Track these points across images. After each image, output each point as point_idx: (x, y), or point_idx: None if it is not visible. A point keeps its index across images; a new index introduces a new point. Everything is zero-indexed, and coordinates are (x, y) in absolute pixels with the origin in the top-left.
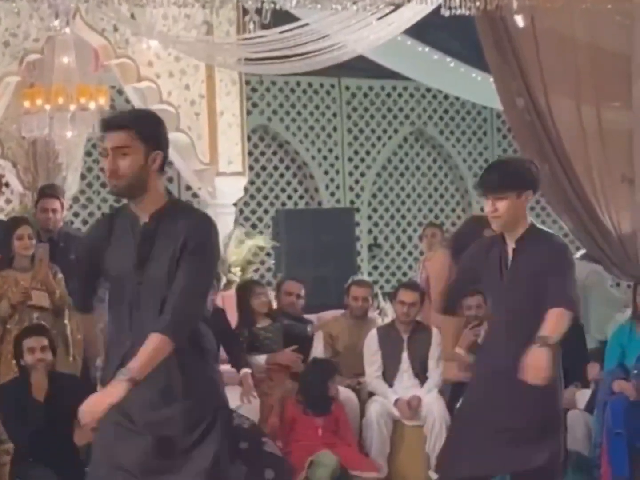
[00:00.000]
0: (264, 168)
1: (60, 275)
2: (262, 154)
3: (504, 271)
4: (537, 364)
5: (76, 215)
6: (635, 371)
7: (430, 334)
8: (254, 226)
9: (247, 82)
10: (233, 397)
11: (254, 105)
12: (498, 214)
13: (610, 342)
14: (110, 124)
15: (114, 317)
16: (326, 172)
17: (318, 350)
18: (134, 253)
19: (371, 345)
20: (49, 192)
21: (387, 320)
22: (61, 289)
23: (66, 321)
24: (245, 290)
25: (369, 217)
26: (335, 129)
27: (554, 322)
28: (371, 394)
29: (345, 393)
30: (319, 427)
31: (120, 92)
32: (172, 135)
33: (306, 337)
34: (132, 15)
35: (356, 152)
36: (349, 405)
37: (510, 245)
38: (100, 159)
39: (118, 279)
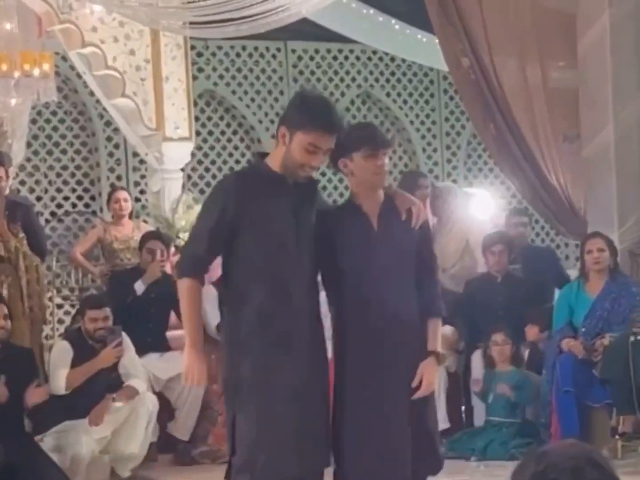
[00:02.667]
0: (211, 133)
1: (22, 235)
2: (209, 118)
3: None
4: (430, 378)
5: (23, 183)
6: (583, 329)
7: None
8: (202, 191)
9: (193, 47)
10: (181, 361)
11: (200, 70)
12: (385, 169)
13: (559, 301)
14: (335, 127)
15: None
16: (274, 136)
17: None
18: None
19: None
20: None
21: None
22: (18, 240)
23: (21, 273)
24: None
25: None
26: (282, 92)
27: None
28: None
29: None
30: None
31: (64, 58)
32: (117, 101)
33: None
34: None
35: None
36: None
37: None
38: (46, 126)
39: None
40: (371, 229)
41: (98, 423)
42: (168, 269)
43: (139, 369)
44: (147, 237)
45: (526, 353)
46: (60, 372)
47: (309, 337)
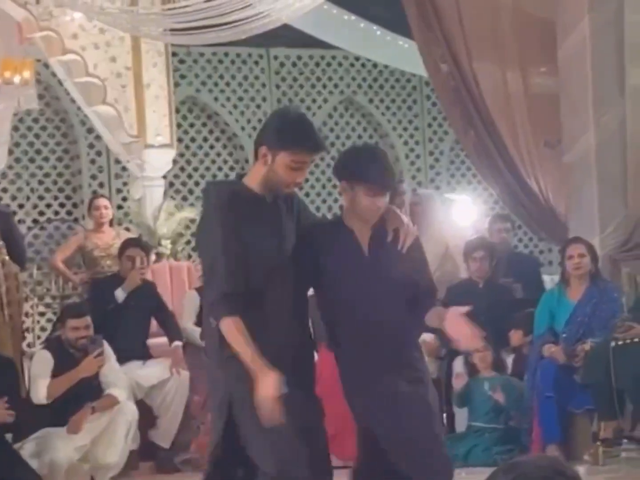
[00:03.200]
0: (193, 140)
1: (0, 242)
2: (192, 125)
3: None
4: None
5: (4, 190)
6: (564, 335)
7: None
8: (184, 198)
9: (175, 54)
10: (163, 368)
11: (182, 76)
12: (382, 208)
13: (540, 306)
14: (319, 147)
15: None
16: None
17: None
18: None
19: None
20: None
21: None
22: None
23: (0, 281)
24: None
25: (301, 188)
26: (264, 99)
27: None
28: None
29: None
30: None
31: (46, 65)
32: (98, 108)
33: None
34: None
35: None
36: None
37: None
38: (28, 133)
39: None
40: (362, 254)
41: (76, 431)
42: (149, 276)
43: (120, 378)
44: (126, 244)
45: (510, 358)
46: (41, 381)
47: (298, 352)
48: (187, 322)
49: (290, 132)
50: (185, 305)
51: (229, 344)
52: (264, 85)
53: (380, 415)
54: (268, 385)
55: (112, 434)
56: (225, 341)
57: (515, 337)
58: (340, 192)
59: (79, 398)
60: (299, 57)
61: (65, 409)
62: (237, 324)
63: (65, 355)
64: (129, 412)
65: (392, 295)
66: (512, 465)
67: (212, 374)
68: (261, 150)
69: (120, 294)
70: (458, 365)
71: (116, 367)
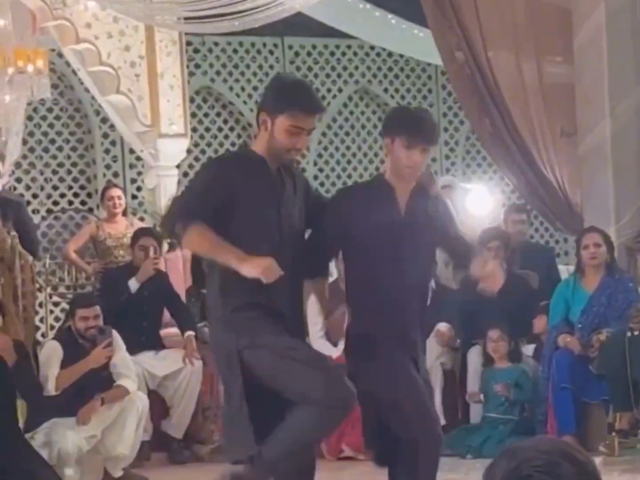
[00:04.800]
0: (207, 129)
1: (13, 233)
2: (206, 115)
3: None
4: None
5: (18, 180)
6: (580, 325)
7: None
8: None
9: (189, 43)
10: (176, 359)
11: (197, 66)
12: (418, 167)
13: (555, 296)
14: (316, 108)
15: None
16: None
17: None
18: None
19: (314, 305)
20: None
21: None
22: (12, 240)
23: (16, 272)
24: None
25: (315, 177)
26: None
27: None
28: None
29: None
30: None
31: (60, 54)
32: (112, 98)
33: None
34: None
35: None
36: None
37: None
38: (42, 123)
39: None
40: (399, 213)
41: (86, 422)
42: (162, 266)
43: (130, 369)
44: (139, 234)
45: (532, 348)
46: (50, 372)
47: (291, 317)
48: None
49: (286, 94)
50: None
51: (230, 296)
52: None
53: (386, 381)
54: (258, 262)
55: (122, 424)
56: (226, 295)
57: (540, 323)
58: (386, 154)
59: (89, 389)
60: (314, 47)
61: (74, 400)
62: (202, 228)
63: (74, 346)
64: (140, 403)
65: (420, 261)
66: (513, 452)
67: (217, 338)
68: (261, 117)
69: (133, 284)
70: (472, 355)
71: (127, 358)
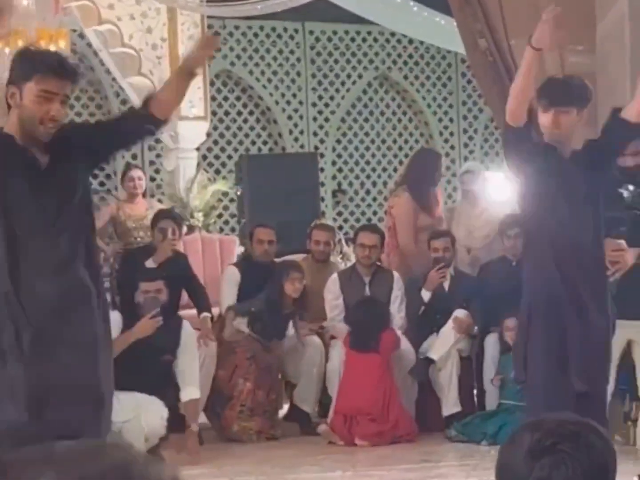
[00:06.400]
0: (227, 113)
1: None
2: (226, 99)
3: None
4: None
5: None
6: None
7: (391, 277)
8: (217, 172)
9: (210, 27)
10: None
11: (217, 50)
12: (559, 128)
13: None
14: (66, 70)
15: None
16: (290, 117)
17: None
18: None
19: (333, 289)
20: None
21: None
22: None
23: None
24: (281, 271)
25: (333, 163)
26: (299, 74)
27: None
28: (333, 338)
29: (309, 337)
30: None
31: (81, 35)
32: (133, 80)
33: None
34: None
35: (320, 97)
36: (315, 349)
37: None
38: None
39: None
40: (563, 159)
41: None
42: (180, 248)
43: (194, 370)
44: (159, 215)
45: None
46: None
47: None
48: (228, 301)
49: (32, 59)
50: (224, 283)
51: None
52: (298, 59)
53: None
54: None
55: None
56: None
57: None
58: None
59: (140, 361)
60: (335, 32)
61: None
62: None
63: (135, 318)
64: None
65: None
66: (536, 424)
67: None
68: (8, 91)
69: (150, 265)
70: (489, 343)
71: (193, 354)
